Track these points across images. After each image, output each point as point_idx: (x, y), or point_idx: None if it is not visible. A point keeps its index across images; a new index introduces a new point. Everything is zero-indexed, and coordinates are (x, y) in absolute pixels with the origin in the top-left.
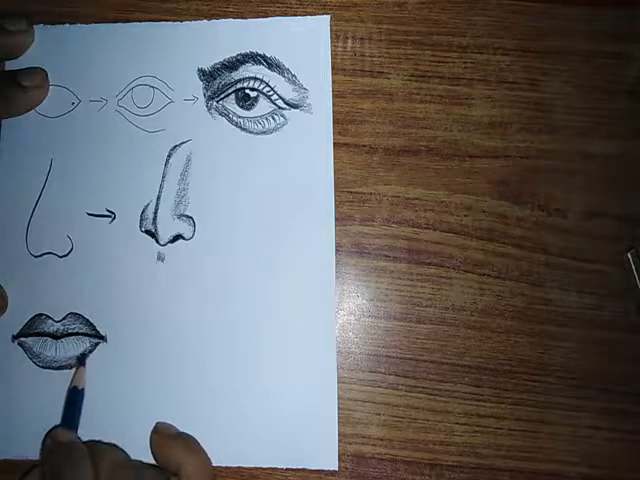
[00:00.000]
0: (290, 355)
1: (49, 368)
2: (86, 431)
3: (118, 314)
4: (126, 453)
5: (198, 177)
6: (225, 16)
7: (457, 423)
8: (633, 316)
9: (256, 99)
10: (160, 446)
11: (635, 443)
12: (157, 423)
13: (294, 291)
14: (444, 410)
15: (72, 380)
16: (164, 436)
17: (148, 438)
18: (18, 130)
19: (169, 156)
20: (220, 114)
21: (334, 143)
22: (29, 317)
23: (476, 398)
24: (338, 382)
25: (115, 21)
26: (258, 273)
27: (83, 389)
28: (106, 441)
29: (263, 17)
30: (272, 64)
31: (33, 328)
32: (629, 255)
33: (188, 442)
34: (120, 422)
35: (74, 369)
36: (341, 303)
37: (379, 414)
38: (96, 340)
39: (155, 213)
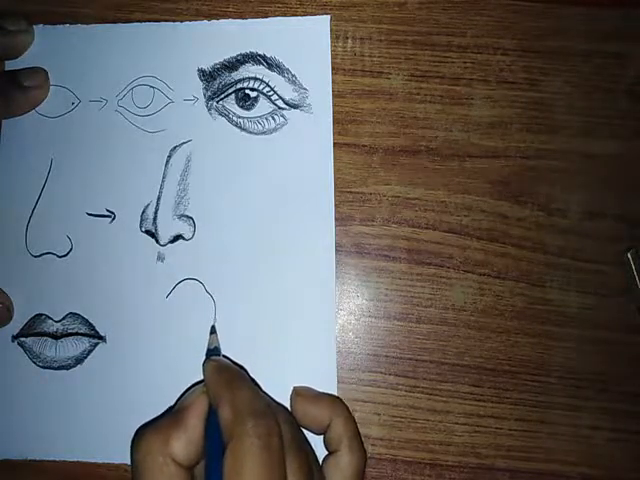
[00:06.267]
0: (290, 355)
1: (49, 368)
2: (84, 431)
3: (118, 314)
4: None
5: (198, 177)
6: (225, 16)
7: (457, 423)
8: (633, 316)
9: (256, 99)
10: (305, 407)
11: (635, 443)
12: (295, 387)
13: (294, 291)
14: (444, 410)
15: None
16: (308, 397)
17: None
18: (18, 130)
19: (169, 156)
20: (220, 114)
21: (334, 143)
22: (29, 317)
23: (476, 398)
24: (338, 382)
25: (115, 21)
26: (258, 273)
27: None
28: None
29: (263, 17)
30: (272, 64)
31: (33, 328)
32: (629, 255)
33: (334, 400)
34: (120, 422)
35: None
36: (341, 303)
37: (379, 414)
38: (95, 340)
39: (155, 213)
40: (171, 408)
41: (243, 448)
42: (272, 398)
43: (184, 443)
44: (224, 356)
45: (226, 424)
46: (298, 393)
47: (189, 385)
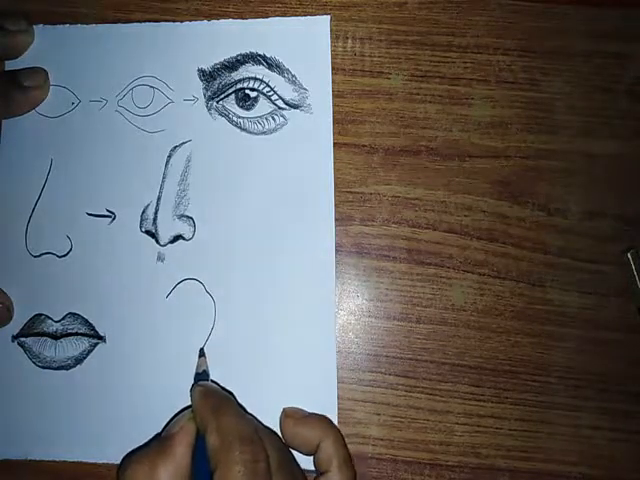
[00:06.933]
0: (290, 355)
1: (49, 368)
2: (84, 431)
3: (117, 314)
4: None
5: (198, 177)
6: (225, 16)
7: (457, 423)
8: (633, 316)
9: (256, 99)
10: (294, 428)
11: (635, 443)
12: (284, 408)
13: (294, 291)
14: (444, 410)
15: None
16: (297, 418)
17: (147, 439)
18: (18, 130)
19: (169, 156)
20: (220, 114)
21: (334, 143)
22: (29, 317)
23: (476, 398)
24: (338, 382)
25: (115, 21)
26: (258, 273)
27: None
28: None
29: (263, 17)
30: (272, 64)
31: (33, 328)
32: (629, 255)
33: (323, 421)
34: (119, 423)
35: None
36: (341, 303)
37: (379, 414)
38: (95, 340)
39: (155, 214)
40: (159, 434)
41: (229, 476)
42: (259, 421)
43: (171, 471)
44: (212, 381)
45: (213, 450)
46: (287, 414)
47: (187, 386)
